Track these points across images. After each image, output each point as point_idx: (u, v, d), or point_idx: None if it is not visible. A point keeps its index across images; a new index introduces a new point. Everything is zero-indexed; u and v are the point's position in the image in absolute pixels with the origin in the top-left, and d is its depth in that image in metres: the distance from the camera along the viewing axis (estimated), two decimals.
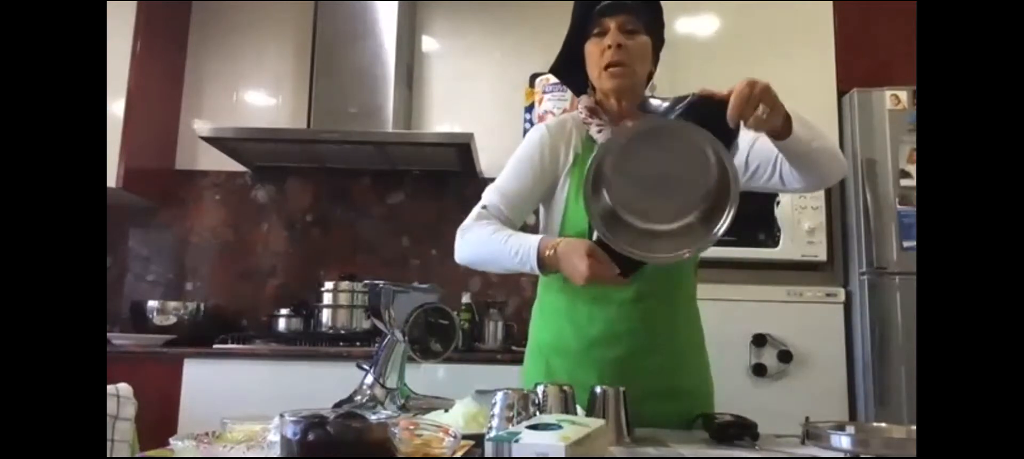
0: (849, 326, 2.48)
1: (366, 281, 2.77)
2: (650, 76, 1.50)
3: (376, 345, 1.39)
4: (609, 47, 1.40)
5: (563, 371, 1.42)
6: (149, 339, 2.57)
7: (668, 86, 2.60)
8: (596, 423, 0.89)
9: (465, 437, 0.97)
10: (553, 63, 1.53)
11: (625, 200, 1.19)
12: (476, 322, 2.88)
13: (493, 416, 1.00)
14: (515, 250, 1.34)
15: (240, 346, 2.55)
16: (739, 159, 1.36)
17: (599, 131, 1.46)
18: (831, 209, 2.54)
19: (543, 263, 1.32)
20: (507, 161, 1.51)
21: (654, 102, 1.28)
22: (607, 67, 1.41)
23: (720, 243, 1.16)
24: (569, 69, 1.52)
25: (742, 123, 1.13)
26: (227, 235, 3.10)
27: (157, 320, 2.70)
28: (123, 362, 2.34)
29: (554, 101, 2.91)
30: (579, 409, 1.14)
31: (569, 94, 2.90)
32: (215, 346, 2.52)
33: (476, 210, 1.47)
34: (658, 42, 1.49)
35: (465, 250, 1.45)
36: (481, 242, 1.42)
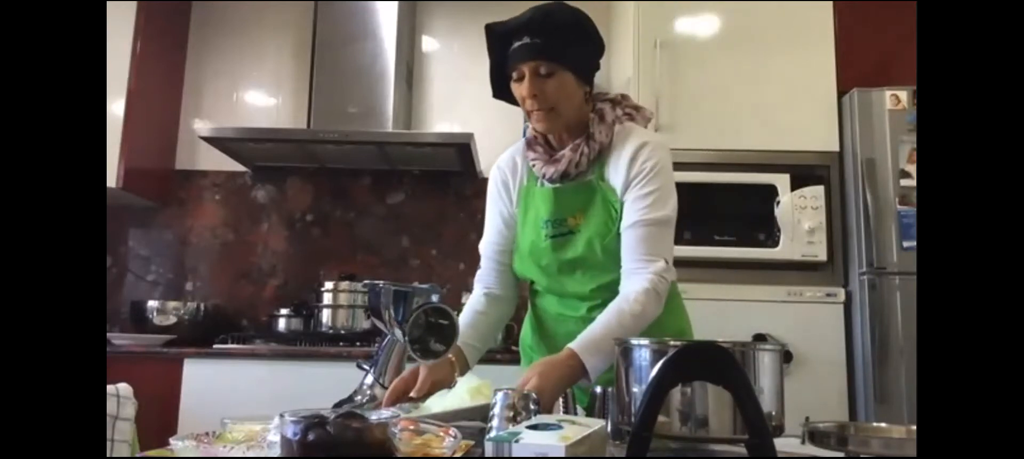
0: (849, 326, 2.47)
1: (366, 281, 2.76)
2: (589, 93, 1.44)
3: (376, 345, 1.39)
4: (526, 96, 1.37)
5: None
6: (149, 339, 2.58)
7: (669, 86, 2.61)
8: (596, 423, 0.89)
9: (467, 420, 0.97)
10: (493, 91, 1.48)
11: None
12: None
13: (493, 416, 1.00)
14: None
15: (240, 346, 2.55)
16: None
17: (533, 163, 1.47)
18: (831, 209, 2.53)
19: None
20: None
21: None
22: (530, 113, 1.39)
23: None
24: (508, 95, 1.46)
25: None
26: (227, 235, 3.10)
27: (157, 320, 2.70)
28: (123, 362, 2.34)
29: None
30: (579, 409, 1.14)
31: None
32: (215, 346, 2.52)
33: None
34: (584, 65, 1.41)
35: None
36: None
